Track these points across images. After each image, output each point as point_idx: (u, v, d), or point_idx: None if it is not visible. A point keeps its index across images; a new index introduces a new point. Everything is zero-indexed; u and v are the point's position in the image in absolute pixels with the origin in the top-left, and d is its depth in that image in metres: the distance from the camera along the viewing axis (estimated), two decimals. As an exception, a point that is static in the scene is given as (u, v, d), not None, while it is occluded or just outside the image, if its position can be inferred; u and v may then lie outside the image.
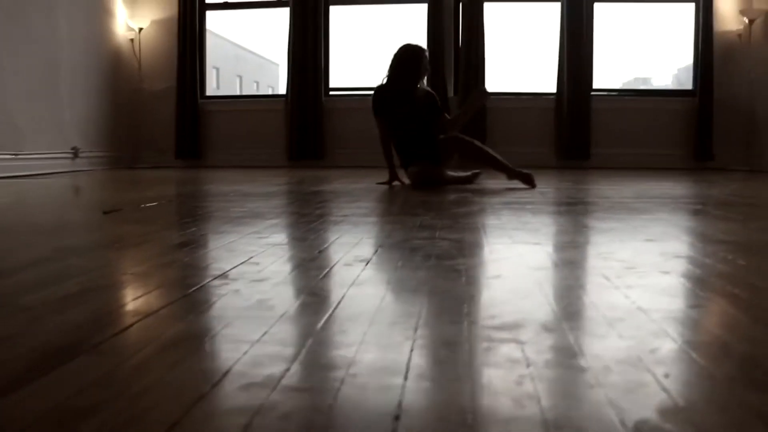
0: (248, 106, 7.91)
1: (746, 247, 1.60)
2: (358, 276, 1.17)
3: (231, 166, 7.29)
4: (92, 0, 6.99)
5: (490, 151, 3.82)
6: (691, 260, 1.36)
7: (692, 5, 7.18)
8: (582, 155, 7.04)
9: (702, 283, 1.14)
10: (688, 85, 7.41)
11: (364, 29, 8.46)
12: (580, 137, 7.02)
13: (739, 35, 6.96)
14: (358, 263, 1.30)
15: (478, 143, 3.84)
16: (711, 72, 7.00)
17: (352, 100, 7.52)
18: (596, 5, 7.17)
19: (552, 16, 7.24)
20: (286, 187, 3.93)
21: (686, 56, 7.38)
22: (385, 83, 4.16)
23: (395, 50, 4.12)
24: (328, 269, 1.27)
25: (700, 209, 2.55)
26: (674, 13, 7.51)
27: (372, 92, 4.27)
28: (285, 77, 7.56)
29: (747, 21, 6.83)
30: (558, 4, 7.14)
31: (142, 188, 4.21)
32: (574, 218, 2.20)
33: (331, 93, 7.55)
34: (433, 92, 4.29)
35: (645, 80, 25.09)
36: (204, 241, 1.70)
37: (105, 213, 2.45)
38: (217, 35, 25.01)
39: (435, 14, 7.12)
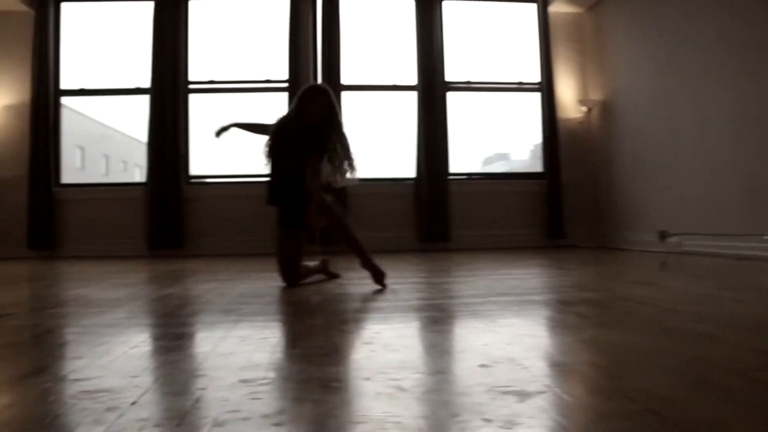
0: (106, 194, 7.57)
1: (570, 371, 1.62)
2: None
3: (88, 257, 6.91)
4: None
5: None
6: (518, 395, 1.35)
7: (538, 94, 7.67)
8: (443, 238, 7.22)
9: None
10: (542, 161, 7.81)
11: (226, 117, 8.54)
12: (439, 221, 7.22)
13: (580, 122, 7.49)
14: None
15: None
16: (558, 156, 7.45)
17: (212, 187, 7.39)
18: (449, 94, 7.50)
19: (409, 103, 7.51)
20: (134, 291, 3.72)
21: (538, 134, 7.82)
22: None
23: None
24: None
25: (542, 313, 2.62)
26: (523, 100, 7.98)
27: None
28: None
29: (586, 110, 7.36)
30: (414, 93, 7.42)
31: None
32: (415, 333, 2.19)
33: (191, 181, 7.39)
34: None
35: (504, 155, 26.47)
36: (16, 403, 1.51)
37: None
38: (81, 114, 24.21)
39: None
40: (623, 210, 6.98)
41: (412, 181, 7.37)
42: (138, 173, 30.70)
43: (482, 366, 1.63)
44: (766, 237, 4.92)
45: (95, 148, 27.23)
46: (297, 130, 3.68)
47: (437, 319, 2.43)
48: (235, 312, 2.64)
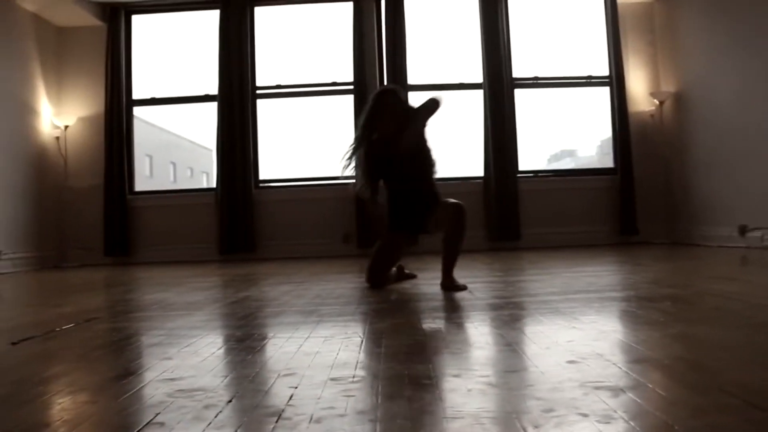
0: (177, 201, 7.79)
1: (661, 366, 1.59)
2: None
3: (161, 262, 7.13)
4: (15, 98, 6.88)
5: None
6: (611, 390, 1.33)
7: (607, 89, 7.52)
8: (513, 236, 7.15)
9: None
10: (611, 156, 7.65)
11: (293, 121, 8.67)
12: (509, 219, 7.15)
13: (652, 115, 7.31)
14: None
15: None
16: (629, 151, 7.28)
17: (281, 191, 7.51)
18: (517, 91, 7.42)
19: (476, 101, 7.45)
20: (211, 294, 3.82)
21: (607, 129, 7.67)
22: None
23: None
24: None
25: (624, 310, 2.57)
26: (592, 95, 7.84)
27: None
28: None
29: (657, 102, 7.18)
30: (480, 92, 7.37)
31: (63, 297, 4.02)
32: (497, 331, 2.18)
33: (260, 185, 7.52)
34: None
35: (571, 152, 25.96)
36: (101, 407, 1.57)
37: (13, 344, 2.30)
38: (149, 123, 24.93)
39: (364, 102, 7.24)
40: (699, 205, 6.76)
41: (480, 180, 7.31)
42: (204, 179, 31.47)
43: (570, 362, 1.61)
44: None
45: (163, 156, 27.98)
46: (384, 139, 3.63)
47: (518, 317, 2.41)
48: (315, 313, 2.68)
